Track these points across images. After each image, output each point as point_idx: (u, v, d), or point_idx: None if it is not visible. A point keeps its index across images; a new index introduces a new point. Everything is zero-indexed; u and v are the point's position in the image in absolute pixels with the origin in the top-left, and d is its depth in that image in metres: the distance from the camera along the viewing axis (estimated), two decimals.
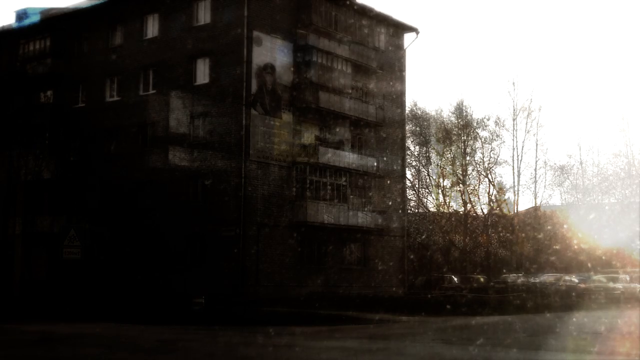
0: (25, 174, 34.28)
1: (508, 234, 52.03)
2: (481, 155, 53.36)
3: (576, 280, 43.37)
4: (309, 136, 33.78)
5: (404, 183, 42.00)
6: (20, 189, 34.42)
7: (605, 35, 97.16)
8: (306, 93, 33.05)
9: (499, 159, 52.77)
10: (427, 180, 55.10)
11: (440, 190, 53.98)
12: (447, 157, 53.24)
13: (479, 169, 53.42)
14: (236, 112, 31.24)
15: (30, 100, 37.29)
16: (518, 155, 51.33)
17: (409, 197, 50.02)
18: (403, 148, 40.26)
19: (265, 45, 32.02)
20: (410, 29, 39.45)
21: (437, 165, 53.97)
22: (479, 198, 53.61)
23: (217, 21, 32.35)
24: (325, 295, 29.60)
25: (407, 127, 45.86)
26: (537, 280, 44.04)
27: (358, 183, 35.64)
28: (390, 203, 37.52)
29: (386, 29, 38.61)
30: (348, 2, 34.96)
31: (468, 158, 53.10)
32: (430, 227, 52.57)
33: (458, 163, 52.96)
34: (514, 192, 51.52)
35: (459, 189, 52.71)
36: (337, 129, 35.00)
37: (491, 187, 53.22)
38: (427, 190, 55.58)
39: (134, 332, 18.41)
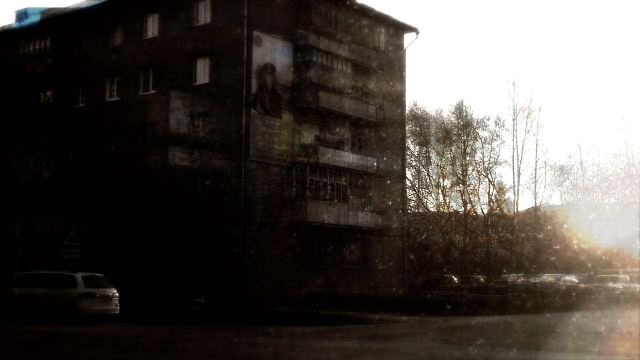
0: (25, 174, 34.26)
1: (508, 234, 52.05)
2: (481, 155, 53.48)
3: (576, 280, 43.44)
4: (309, 136, 33.79)
5: (404, 183, 42.00)
6: (20, 189, 34.40)
7: (605, 35, 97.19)
8: (306, 93, 33.04)
9: (499, 159, 52.92)
10: (427, 180, 55.18)
11: (440, 190, 54.05)
12: (447, 157, 53.26)
13: (479, 169, 53.51)
14: (236, 112, 31.25)
15: (30, 100, 37.23)
16: (518, 155, 51.43)
17: (409, 197, 50.03)
18: (403, 148, 40.26)
19: (265, 45, 32.02)
20: (410, 29, 39.45)
21: (437, 165, 54.01)
22: (479, 198, 53.73)
23: (217, 21, 32.35)
24: (325, 295, 29.62)
25: (407, 127, 45.87)
26: (537, 280, 44.10)
27: (358, 183, 35.65)
28: (390, 203, 37.52)
29: (386, 29, 38.60)
30: (348, 2, 34.95)
31: (468, 158, 53.15)
32: (430, 227, 52.58)
33: (458, 163, 52.97)
34: (514, 192, 51.64)
35: (459, 189, 52.75)
36: (337, 129, 35.00)
37: (491, 187, 53.34)
38: (427, 190, 55.67)
39: (134, 332, 18.41)
